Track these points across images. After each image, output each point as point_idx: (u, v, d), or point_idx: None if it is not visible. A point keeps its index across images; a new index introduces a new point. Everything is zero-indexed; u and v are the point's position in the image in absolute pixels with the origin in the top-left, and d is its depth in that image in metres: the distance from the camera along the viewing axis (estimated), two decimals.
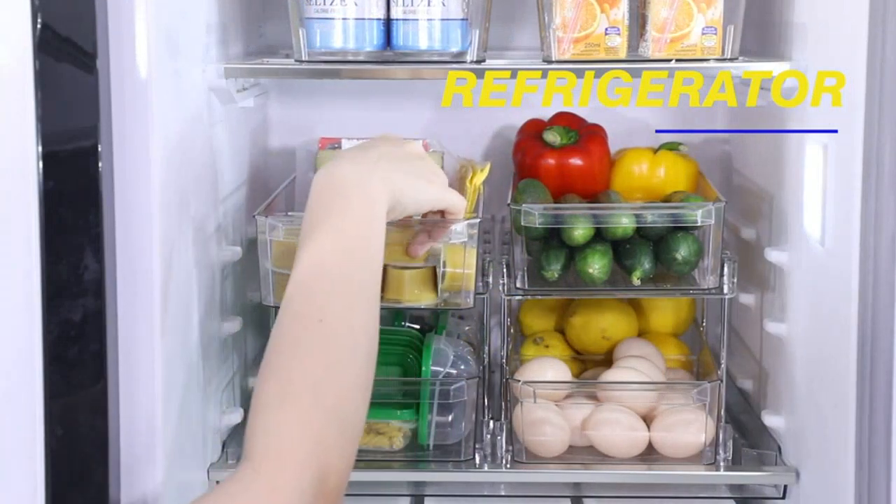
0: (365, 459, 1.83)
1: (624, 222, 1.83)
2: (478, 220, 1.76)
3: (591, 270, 1.83)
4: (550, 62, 1.77)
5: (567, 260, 1.86)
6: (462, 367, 1.86)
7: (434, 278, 1.78)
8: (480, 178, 1.85)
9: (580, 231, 1.83)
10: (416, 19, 1.76)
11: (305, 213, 1.35)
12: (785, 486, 1.80)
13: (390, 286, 1.77)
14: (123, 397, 1.48)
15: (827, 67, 1.60)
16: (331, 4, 1.75)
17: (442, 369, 1.85)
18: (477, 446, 1.85)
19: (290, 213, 1.88)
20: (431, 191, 1.45)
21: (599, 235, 1.84)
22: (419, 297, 1.77)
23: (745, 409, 2.03)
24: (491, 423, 1.88)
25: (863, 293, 1.48)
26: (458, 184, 1.92)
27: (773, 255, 1.82)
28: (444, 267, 1.76)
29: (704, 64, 1.75)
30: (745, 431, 1.95)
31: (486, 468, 1.83)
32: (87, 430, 1.43)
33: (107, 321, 1.43)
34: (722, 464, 1.82)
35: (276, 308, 1.82)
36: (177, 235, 1.60)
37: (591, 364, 2.04)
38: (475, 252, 1.76)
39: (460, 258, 1.76)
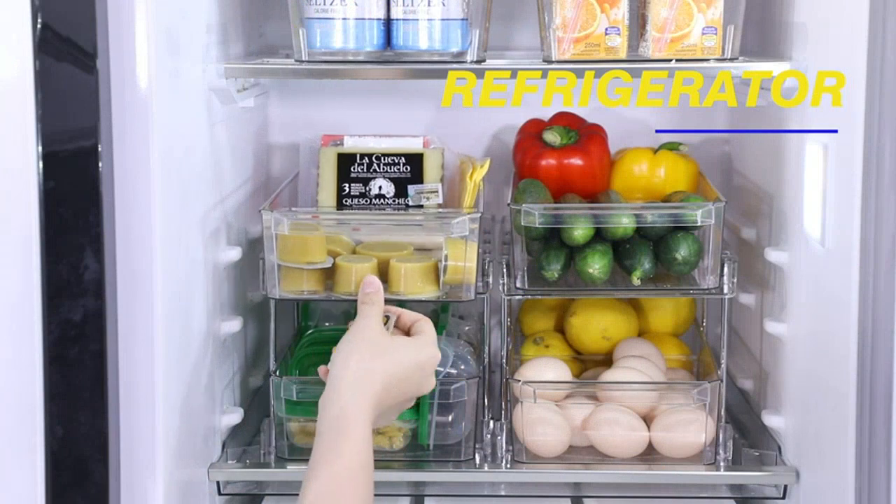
0: None
1: (624, 222, 1.83)
2: (478, 215, 1.79)
3: (591, 270, 1.83)
4: (550, 62, 1.77)
5: (567, 260, 1.86)
6: (462, 367, 1.86)
7: (436, 272, 1.80)
8: (480, 173, 1.88)
9: (580, 231, 1.83)
10: (416, 19, 1.76)
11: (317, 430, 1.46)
12: (785, 486, 1.80)
13: (394, 280, 1.79)
14: (123, 397, 1.48)
15: (827, 67, 1.60)
16: (331, 4, 1.75)
17: (442, 369, 1.85)
18: (477, 446, 1.85)
19: (293, 209, 1.89)
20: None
21: (599, 235, 1.85)
22: (422, 290, 1.80)
23: (745, 409, 2.03)
24: (491, 423, 1.88)
25: (863, 293, 1.48)
26: (459, 180, 1.94)
27: (773, 255, 1.82)
28: (446, 260, 1.79)
29: (704, 64, 1.75)
30: (745, 431, 1.95)
31: (486, 468, 1.83)
32: (87, 430, 1.43)
33: (107, 321, 1.43)
34: (722, 464, 1.82)
35: (279, 301, 1.85)
36: (177, 235, 1.60)
37: (591, 364, 2.04)
38: (476, 246, 1.79)
39: (461, 252, 1.79)
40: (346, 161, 1.93)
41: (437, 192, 1.91)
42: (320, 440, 1.42)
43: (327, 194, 1.92)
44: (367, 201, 1.92)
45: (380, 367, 1.49)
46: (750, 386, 2.06)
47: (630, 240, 1.85)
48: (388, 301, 1.64)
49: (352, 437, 1.42)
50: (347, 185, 1.92)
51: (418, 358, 1.53)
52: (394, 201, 1.91)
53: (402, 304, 1.98)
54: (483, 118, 2.21)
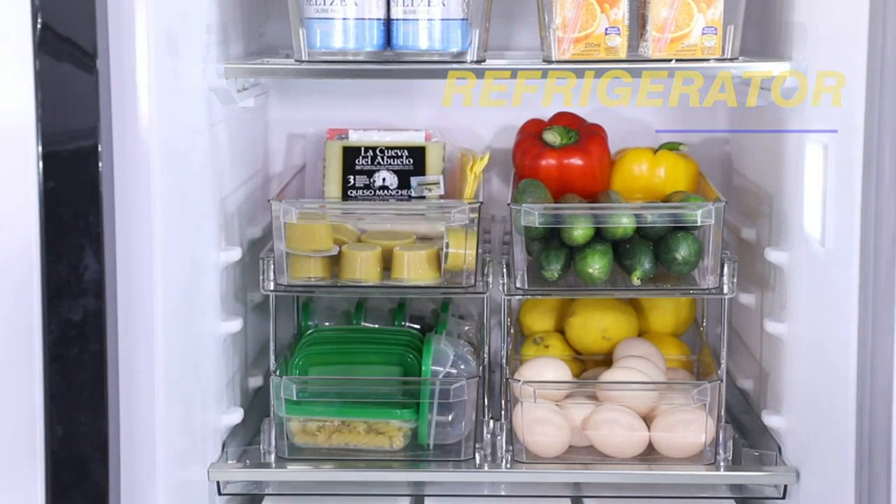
0: (365, 459, 1.83)
1: (624, 222, 1.83)
2: (478, 205, 1.84)
3: (591, 270, 1.83)
4: (550, 62, 1.77)
5: (567, 260, 1.86)
6: (462, 366, 1.87)
7: (438, 259, 1.85)
8: (480, 165, 1.94)
9: (580, 231, 1.83)
10: (416, 19, 1.76)
11: None
12: (785, 486, 1.80)
13: (397, 267, 1.84)
14: (123, 397, 1.48)
15: (827, 67, 1.60)
16: (331, 4, 1.75)
17: (442, 369, 1.85)
18: (477, 446, 1.85)
19: (301, 199, 1.97)
20: None
21: (599, 235, 1.85)
22: (424, 276, 1.85)
23: (745, 409, 2.03)
24: (491, 423, 1.88)
25: (863, 293, 1.48)
26: (459, 172, 1.98)
27: (773, 255, 1.82)
28: (447, 248, 1.84)
29: (704, 64, 1.75)
30: (745, 431, 1.95)
31: (486, 468, 1.83)
32: (87, 430, 1.43)
33: (107, 321, 1.43)
34: (722, 464, 1.82)
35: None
36: (177, 235, 1.60)
37: (591, 364, 2.04)
38: (476, 234, 1.84)
39: (462, 240, 1.84)
40: (351, 154, 2.01)
41: (438, 183, 1.99)
42: None
43: (333, 185, 2.01)
44: (371, 192, 2.00)
45: None
46: (750, 386, 2.06)
47: (630, 240, 1.85)
48: (389, 288, 1.71)
49: None
50: (352, 176, 2.01)
51: None
52: (397, 192, 2.00)
53: (399, 311, 2.01)
54: (483, 118, 2.21)
